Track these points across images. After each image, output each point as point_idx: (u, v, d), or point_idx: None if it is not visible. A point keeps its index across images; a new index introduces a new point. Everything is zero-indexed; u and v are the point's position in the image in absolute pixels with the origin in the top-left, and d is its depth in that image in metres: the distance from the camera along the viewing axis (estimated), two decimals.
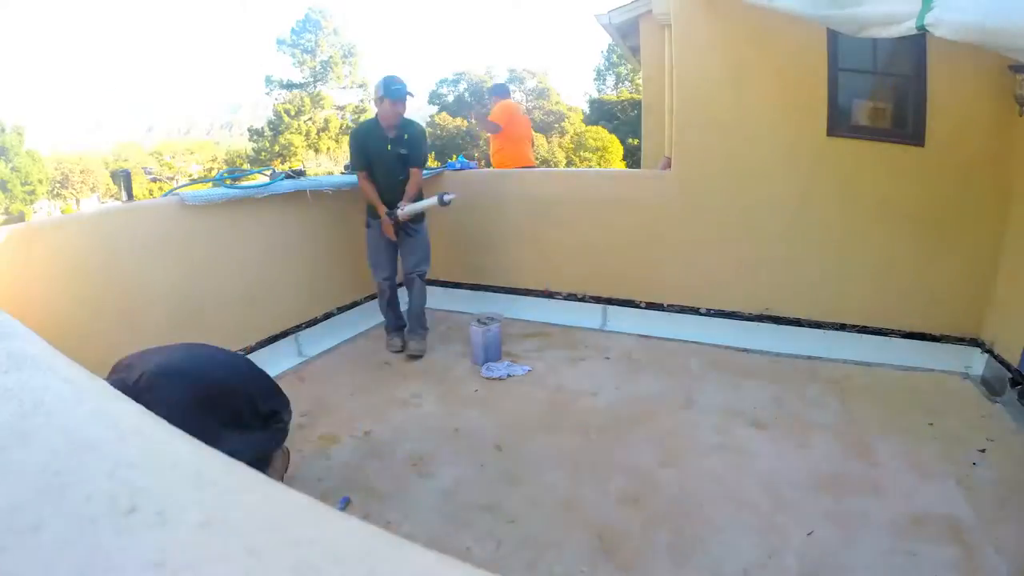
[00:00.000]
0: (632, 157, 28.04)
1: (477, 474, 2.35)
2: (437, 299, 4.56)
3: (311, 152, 35.46)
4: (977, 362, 3.25)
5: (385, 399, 3.00)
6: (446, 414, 2.85)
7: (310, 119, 35.43)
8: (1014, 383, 2.82)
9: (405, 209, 3.37)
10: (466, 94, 41.09)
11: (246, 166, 34.01)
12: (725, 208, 3.67)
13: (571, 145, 32.22)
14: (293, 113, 35.04)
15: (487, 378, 3.22)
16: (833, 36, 3.23)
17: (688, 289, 3.86)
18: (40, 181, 30.18)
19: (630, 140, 29.66)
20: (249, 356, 3.18)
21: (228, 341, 3.08)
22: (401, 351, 3.65)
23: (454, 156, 6.01)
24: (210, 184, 3.32)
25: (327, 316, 3.80)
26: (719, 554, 1.88)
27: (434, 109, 40.40)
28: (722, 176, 3.65)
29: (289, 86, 36.14)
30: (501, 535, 2.00)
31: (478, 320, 3.48)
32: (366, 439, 2.61)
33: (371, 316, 4.15)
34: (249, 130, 35.48)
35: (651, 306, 3.97)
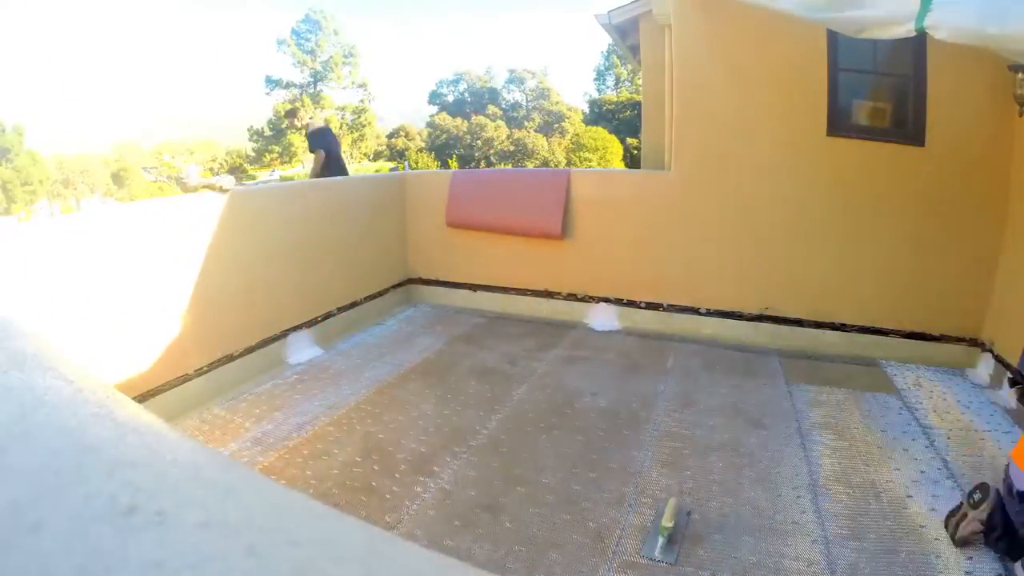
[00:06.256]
0: (632, 157, 28.05)
1: (477, 474, 2.35)
2: (437, 297, 4.57)
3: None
4: (978, 362, 3.25)
5: (385, 399, 3.00)
6: (446, 414, 2.85)
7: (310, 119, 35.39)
8: (1013, 383, 2.82)
9: None
10: (466, 94, 41.10)
11: (247, 166, 34.02)
12: (725, 208, 3.67)
13: (571, 145, 32.21)
14: None
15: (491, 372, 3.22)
16: (833, 36, 3.23)
17: (688, 289, 3.86)
18: (41, 181, 30.17)
19: (629, 140, 29.66)
20: (253, 353, 3.19)
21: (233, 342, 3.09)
22: None
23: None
24: None
25: (327, 316, 3.80)
26: (719, 554, 1.88)
27: (434, 109, 40.40)
28: (722, 176, 3.65)
29: (289, 86, 36.14)
30: (501, 535, 2.00)
31: None
32: (366, 438, 2.61)
33: (370, 316, 4.16)
34: (249, 130, 35.46)
35: (651, 306, 3.97)
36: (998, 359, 3.05)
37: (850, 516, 2.06)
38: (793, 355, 3.53)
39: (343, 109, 37.22)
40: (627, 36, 7.33)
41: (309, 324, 3.65)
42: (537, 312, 4.27)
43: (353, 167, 34.82)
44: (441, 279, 4.57)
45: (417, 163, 29.58)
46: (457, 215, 4.32)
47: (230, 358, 3.10)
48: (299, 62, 35.74)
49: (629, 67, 32.85)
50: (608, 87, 39.53)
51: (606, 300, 4.09)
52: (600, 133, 30.54)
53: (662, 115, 5.54)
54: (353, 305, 4.04)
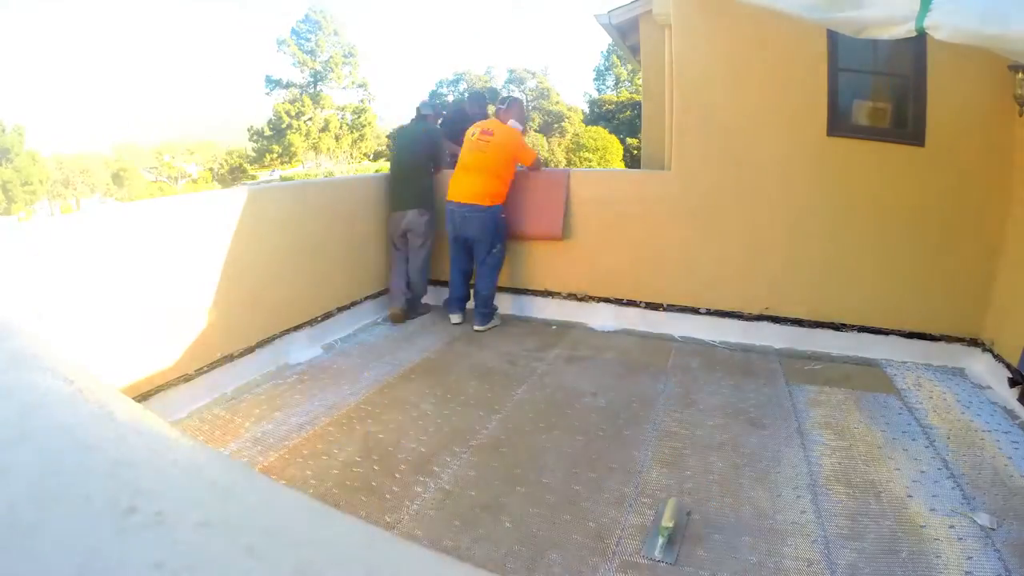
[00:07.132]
0: (632, 157, 28.05)
1: (477, 474, 2.35)
2: (439, 298, 4.56)
3: (312, 152, 35.44)
4: (978, 362, 3.25)
5: (385, 399, 3.00)
6: (446, 414, 2.85)
7: (310, 119, 35.41)
8: (1013, 383, 2.82)
9: None
10: (466, 94, 41.12)
11: (247, 166, 34.04)
12: (725, 208, 3.67)
13: (571, 145, 32.19)
14: (293, 113, 35.02)
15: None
16: (833, 36, 3.23)
17: (688, 289, 3.86)
18: (41, 181, 30.17)
19: (629, 140, 29.66)
20: (253, 353, 3.19)
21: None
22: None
23: None
24: None
25: (327, 316, 3.80)
26: (719, 554, 1.88)
27: None
28: (722, 176, 3.65)
29: (289, 86, 36.12)
30: (501, 535, 2.00)
31: None
32: (367, 438, 2.61)
33: (370, 315, 4.16)
34: (249, 130, 35.44)
35: (651, 306, 3.97)
36: (998, 359, 3.05)
37: (850, 516, 2.06)
38: (793, 355, 3.54)
39: (343, 109, 37.20)
40: (627, 36, 7.33)
41: (309, 324, 3.65)
42: (537, 312, 4.27)
43: (353, 167, 34.83)
44: (441, 279, 4.56)
45: None
46: None
47: (230, 358, 3.10)
48: (299, 62, 35.71)
49: (629, 67, 32.85)
50: (608, 87, 39.49)
51: (606, 300, 4.09)
52: (600, 133, 30.51)
53: (662, 115, 5.54)
54: (353, 305, 4.04)
